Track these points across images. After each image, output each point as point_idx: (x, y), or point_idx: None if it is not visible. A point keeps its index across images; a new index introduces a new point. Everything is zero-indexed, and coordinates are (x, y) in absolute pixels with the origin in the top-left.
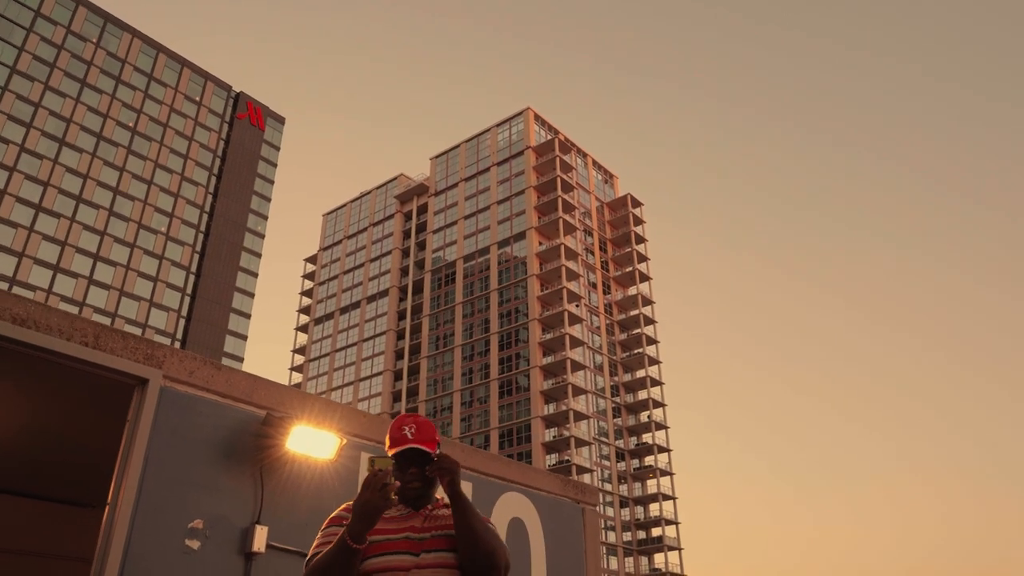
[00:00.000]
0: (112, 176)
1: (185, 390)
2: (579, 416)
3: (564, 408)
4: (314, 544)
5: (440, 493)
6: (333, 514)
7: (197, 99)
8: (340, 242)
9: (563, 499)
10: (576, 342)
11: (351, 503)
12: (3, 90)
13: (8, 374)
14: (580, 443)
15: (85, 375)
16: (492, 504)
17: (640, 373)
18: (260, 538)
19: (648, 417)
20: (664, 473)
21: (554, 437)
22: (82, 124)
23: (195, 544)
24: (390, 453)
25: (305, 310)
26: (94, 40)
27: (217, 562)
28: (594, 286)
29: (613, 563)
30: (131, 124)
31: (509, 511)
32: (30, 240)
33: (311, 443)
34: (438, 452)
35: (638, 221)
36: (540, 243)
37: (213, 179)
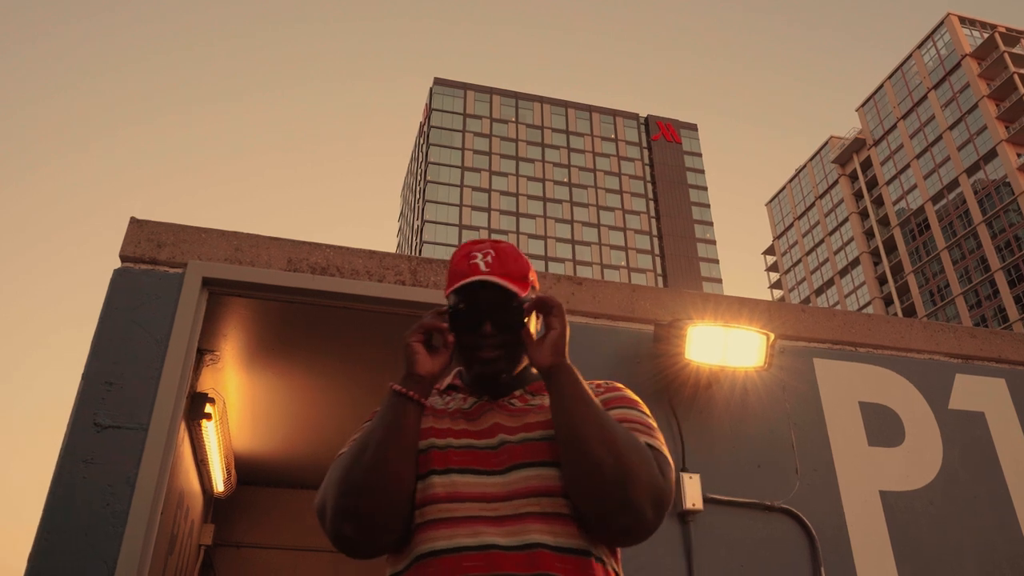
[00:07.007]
0: (565, 230)
1: None
2: None
3: None
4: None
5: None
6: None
7: (612, 137)
8: (792, 225)
9: None
10: None
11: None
12: (460, 186)
13: (316, 339)
14: None
15: (407, 321)
16: None
17: None
18: (694, 491)
19: None
20: None
21: None
22: (528, 193)
23: None
24: (447, 293)
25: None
26: (513, 119)
27: None
28: None
29: None
30: (565, 180)
31: None
32: None
33: (726, 349)
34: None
35: None
36: (1019, 154)
37: (651, 203)
